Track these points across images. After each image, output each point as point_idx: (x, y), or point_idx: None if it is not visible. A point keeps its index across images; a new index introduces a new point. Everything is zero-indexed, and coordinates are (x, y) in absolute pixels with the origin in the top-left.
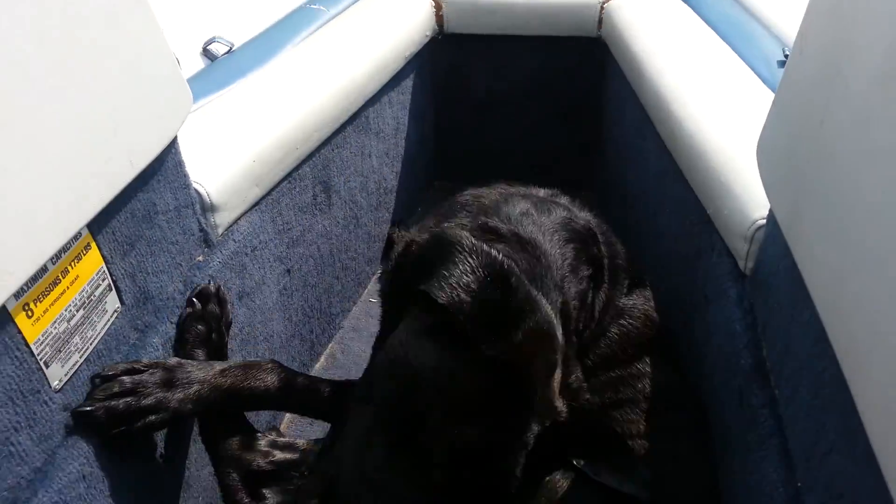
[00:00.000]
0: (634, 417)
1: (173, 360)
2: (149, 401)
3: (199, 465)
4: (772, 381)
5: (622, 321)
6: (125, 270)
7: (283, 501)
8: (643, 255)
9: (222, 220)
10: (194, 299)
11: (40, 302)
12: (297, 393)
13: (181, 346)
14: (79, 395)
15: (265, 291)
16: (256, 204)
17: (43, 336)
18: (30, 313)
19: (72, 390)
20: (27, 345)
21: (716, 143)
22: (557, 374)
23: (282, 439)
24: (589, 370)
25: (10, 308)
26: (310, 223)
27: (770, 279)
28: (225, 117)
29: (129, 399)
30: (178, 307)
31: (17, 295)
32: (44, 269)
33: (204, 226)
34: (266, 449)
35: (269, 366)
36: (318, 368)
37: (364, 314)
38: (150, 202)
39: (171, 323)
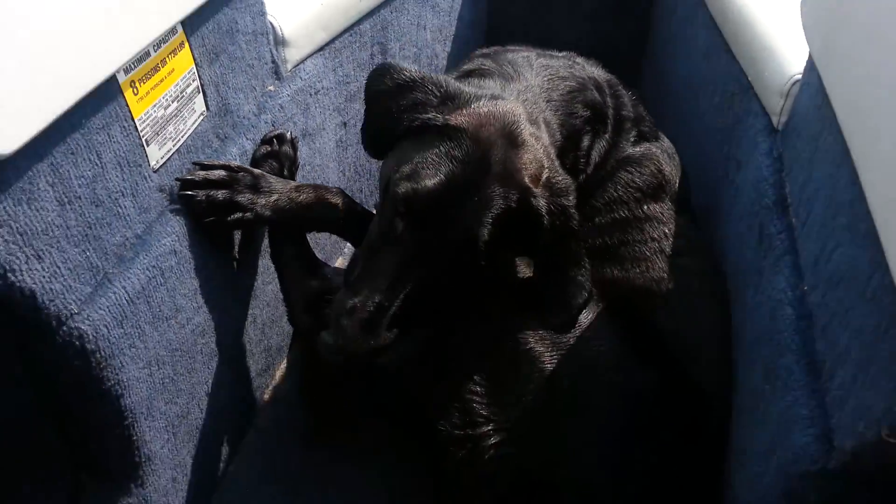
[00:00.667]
0: (643, 255)
1: (257, 171)
2: (242, 198)
3: (265, 280)
4: (790, 212)
5: (629, 168)
6: (210, 78)
7: None
8: (685, 138)
9: (291, 55)
10: (274, 139)
11: (143, 83)
12: (357, 219)
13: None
14: (172, 181)
15: (325, 137)
16: (321, 49)
17: (145, 115)
18: (135, 90)
19: (166, 174)
20: (132, 118)
21: (761, 14)
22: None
23: (342, 268)
24: (595, 210)
25: (120, 81)
26: None
27: (800, 125)
28: None
29: (226, 192)
30: (254, 126)
31: (126, 70)
32: (147, 54)
33: (275, 57)
34: (327, 276)
35: (336, 190)
36: None
37: None
38: (233, 19)
39: (247, 139)
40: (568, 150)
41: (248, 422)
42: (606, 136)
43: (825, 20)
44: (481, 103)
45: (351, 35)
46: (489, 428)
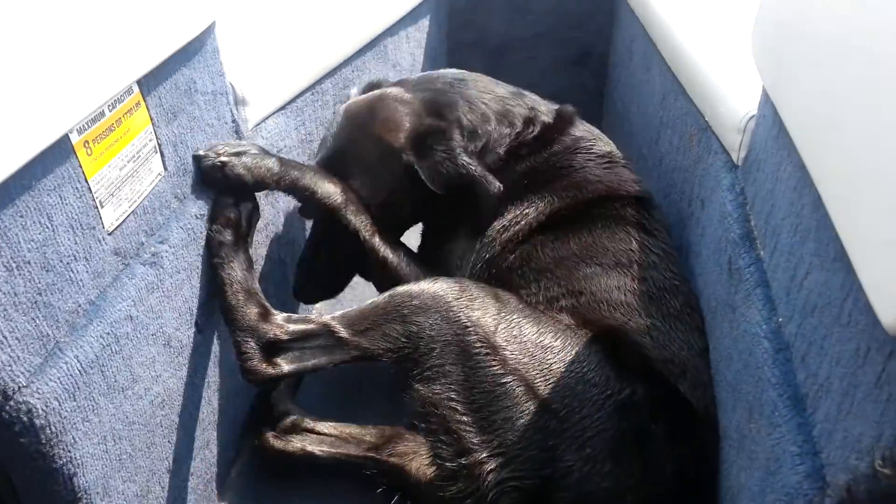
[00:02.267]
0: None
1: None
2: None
3: (229, 346)
4: (757, 245)
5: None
6: (168, 138)
7: (295, 368)
8: (646, 180)
9: (252, 115)
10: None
11: (98, 143)
12: None
13: (211, 223)
14: (128, 244)
15: (287, 197)
16: (282, 108)
17: (99, 176)
18: (89, 151)
19: (122, 237)
20: (86, 179)
21: (712, 57)
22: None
23: (296, 315)
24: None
25: (73, 141)
26: None
27: (759, 158)
28: (252, 23)
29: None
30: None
31: (80, 130)
32: (101, 114)
33: (236, 117)
34: (281, 322)
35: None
36: None
37: None
38: (191, 79)
39: (208, 199)
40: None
41: (213, 499)
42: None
43: (775, 53)
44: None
45: (312, 94)
46: (485, 454)
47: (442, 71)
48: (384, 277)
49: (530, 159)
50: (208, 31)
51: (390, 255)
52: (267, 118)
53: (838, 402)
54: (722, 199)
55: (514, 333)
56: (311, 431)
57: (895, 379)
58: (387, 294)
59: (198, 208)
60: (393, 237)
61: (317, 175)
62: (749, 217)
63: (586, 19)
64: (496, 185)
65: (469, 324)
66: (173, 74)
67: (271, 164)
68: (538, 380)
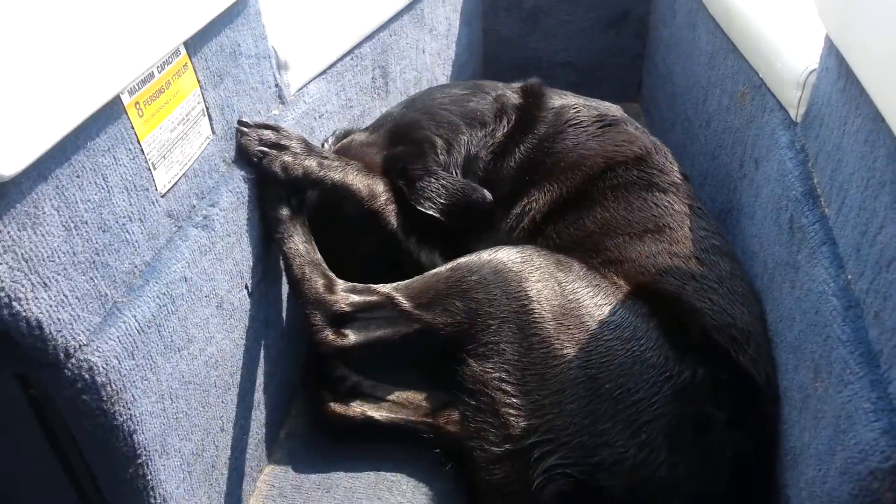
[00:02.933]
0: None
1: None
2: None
3: (278, 310)
4: (821, 203)
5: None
6: (215, 101)
7: (362, 340)
8: (693, 143)
9: (293, 79)
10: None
11: (148, 105)
12: None
13: (264, 198)
14: (181, 206)
15: None
16: (323, 73)
17: (151, 138)
18: (140, 112)
19: (174, 200)
20: (138, 141)
21: (766, 12)
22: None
23: (360, 285)
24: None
25: (124, 102)
26: (369, 105)
27: (822, 113)
28: None
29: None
30: None
31: (131, 91)
32: (151, 76)
33: (279, 81)
34: (345, 293)
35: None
36: None
37: None
38: (235, 42)
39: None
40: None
41: (263, 459)
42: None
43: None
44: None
45: (352, 58)
46: (532, 440)
47: (392, 107)
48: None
49: (520, 151)
50: None
51: (424, 256)
52: (308, 83)
53: None
54: (780, 157)
55: (573, 307)
56: (370, 396)
57: None
58: (450, 265)
59: (246, 172)
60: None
61: (359, 173)
62: (811, 174)
63: None
64: (483, 194)
65: (527, 300)
66: (218, 36)
67: (312, 165)
68: (592, 359)
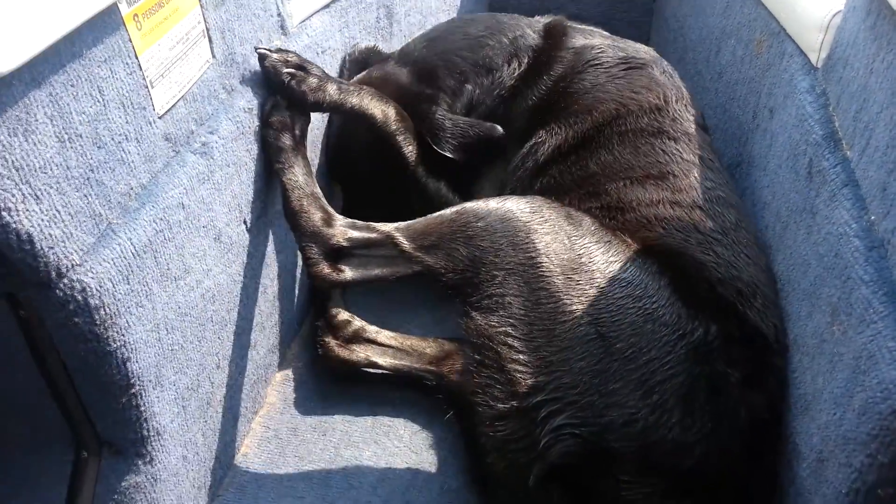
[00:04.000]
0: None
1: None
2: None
3: (277, 248)
4: (843, 145)
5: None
6: (216, 23)
7: (359, 276)
8: (702, 97)
9: (296, 10)
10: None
11: (147, 18)
12: None
13: (267, 127)
14: (179, 130)
15: None
16: (326, 7)
17: (150, 53)
18: (139, 25)
19: (172, 123)
20: (136, 55)
21: None
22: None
23: (360, 221)
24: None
25: (122, 13)
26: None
27: (846, 55)
28: None
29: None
30: (261, 81)
31: (129, 2)
32: None
33: (281, 10)
34: (344, 228)
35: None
36: None
37: None
38: None
39: (255, 94)
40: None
41: (260, 400)
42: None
43: None
44: None
45: None
46: (540, 398)
47: (420, 35)
48: (424, 205)
49: (534, 92)
50: None
51: (431, 185)
52: (312, 16)
53: None
54: (799, 102)
55: (583, 262)
56: (373, 342)
57: None
58: (455, 209)
59: (246, 102)
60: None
61: (374, 99)
62: (832, 118)
63: None
64: (490, 130)
65: (535, 252)
66: None
67: (332, 90)
68: (603, 317)
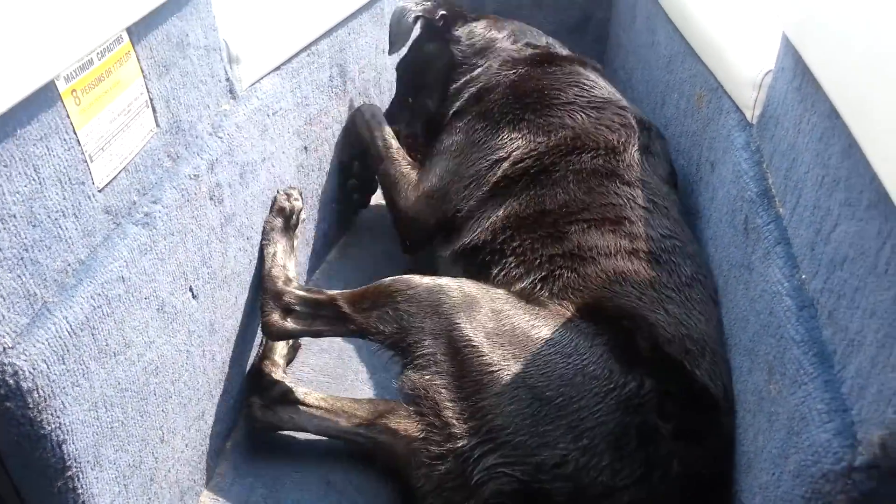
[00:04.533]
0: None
1: None
2: None
3: (225, 314)
4: (776, 202)
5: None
6: (160, 92)
7: (301, 328)
8: None
9: (246, 74)
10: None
11: (87, 93)
12: None
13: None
14: (120, 202)
15: (285, 162)
16: (277, 69)
17: (89, 128)
18: (78, 101)
19: (113, 195)
20: (74, 131)
21: (723, 16)
22: None
23: (315, 287)
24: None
25: (60, 89)
26: (326, 104)
27: (777, 113)
28: None
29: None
30: (207, 146)
31: (68, 78)
32: (90, 62)
33: (230, 75)
34: (296, 290)
35: None
36: (331, 259)
37: (376, 214)
38: (183, 32)
39: (201, 159)
40: None
41: (207, 472)
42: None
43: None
44: None
45: (308, 55)
46: (474, 441)
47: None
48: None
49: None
50: None
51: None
52: (262, 78)
53: (872, 355)
54: (736, 158)
55: (507, 327)
56: (301, 403)
57: None
58: (392, 278)
59: (192, 168)
60: None
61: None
62: (766, 175)
63: None
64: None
65: (459, 319)
66: (164, 24)
67: None
68: (530, 370)
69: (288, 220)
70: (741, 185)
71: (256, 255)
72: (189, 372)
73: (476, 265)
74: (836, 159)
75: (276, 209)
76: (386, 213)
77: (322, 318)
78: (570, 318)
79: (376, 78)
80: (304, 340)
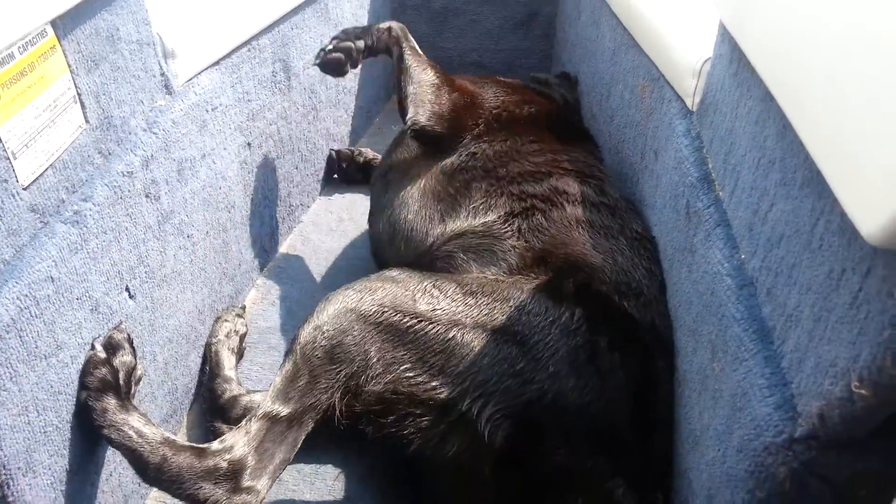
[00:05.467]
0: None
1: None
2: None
3: (164, 313)
4: (716, 186)
5: None
6: (90, 88)
7: (271, 480)
8: (598, 139)
9: (182, 69)
10: (97, 345)
11: (8, 88)
12: None
13: (83, 389)
14: (47, 200)
15: (226, 158)
16: (216, 64)
17: (11, 124)
18: None
19: (39, 193)
20: None
21: (664, 7)
22: None
23: (228, 432)
24: None
25: None
26: (269, 100)
27: (715, 99)
28: None
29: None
30: (142, 143)
31: None
32: (11, 56)
33: (164, 70)
34: (220, 448)
35: None
36: (279, 258)
37: (324, 210)
38: (114, 26)
39: (135, 156)
40: None
41: None
42: None
43: None
44: None
45: (249, 50)
46: (467, 402)
47: None
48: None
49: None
50: None
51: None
52: (199, 73)
53: (809, 329)
54: (677, 145)
55: (436, 294)
56: None
57: (873, 297)
58: (296, 347)
59: (124, 165)
60: None
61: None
62: (706, 160)
63: None
64: None
65: (386, 310)
66: (93, 18)
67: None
68: (482, 321)
69: (118, 389)
70: (683, 171)
71: (197, 253)
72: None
73: (456, 184)
74: (772, 141)
75: (93, 379)
76: (334, 209)
77: (271, 444)
78: (499, 277)
79: (322, 74)
80: (251, 339)
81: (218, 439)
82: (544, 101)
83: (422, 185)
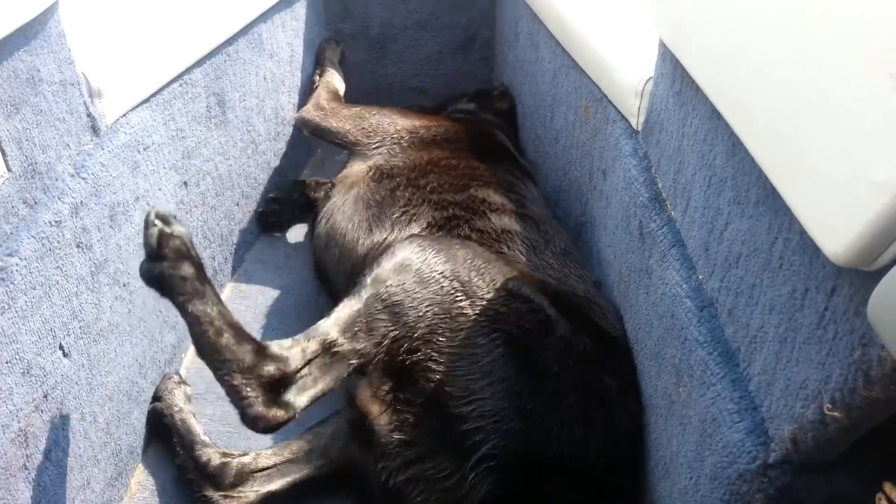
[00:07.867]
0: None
1: None
2: None
3: (101, 371)
4: (668, 206)
5: None
6: (10, 134)
7: (308, 401)
8: (544, 160)
9: (109, 108)
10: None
11: None
12: None
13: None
14: None
15: (161, 199)
16: (146, 101)
17: None
18: None
19: None
20: None
21: (602, 27)
22: None
23: (286, 341)
24: None
25: None
26: (205, 136)
27: (661, 118)
28: (107, 5)
29: None
30: (70, 189)
31: None
32: None
33: (91, 111)
34: (279, 353)
35: None
36: (224, 299)
37: (268, 246)
38: (34, 67)
39: (63, 203)
40: None
41: None
42: None
43: (674, 3)
44: None
45: (181, 84)
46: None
47: None
48: None
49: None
50: (50, 12)
51: None
52: (129, 112)
53: (776, 350)
54: (626, 165)
55: (482, 274)
56: (257, 471)
57: (840, 316)
58: (369, 288)
59: (52, 214)
60: None
61: None
62: (656, 180)
63: (468, 3)
64: None
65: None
66: (9, 60)
67: None
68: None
69: (193, 258)
70: (633, 192)
71: (135, 302)
72: (66, 438)
73: (383, 192)
74: (722, 159)
75: (168, 250)
76: (279, 244)
77: (314, 374)
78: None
79: (259, 105)
80: (198, 389)
81: (277, 345)
82: (463, 125)
83: (354, 192)
